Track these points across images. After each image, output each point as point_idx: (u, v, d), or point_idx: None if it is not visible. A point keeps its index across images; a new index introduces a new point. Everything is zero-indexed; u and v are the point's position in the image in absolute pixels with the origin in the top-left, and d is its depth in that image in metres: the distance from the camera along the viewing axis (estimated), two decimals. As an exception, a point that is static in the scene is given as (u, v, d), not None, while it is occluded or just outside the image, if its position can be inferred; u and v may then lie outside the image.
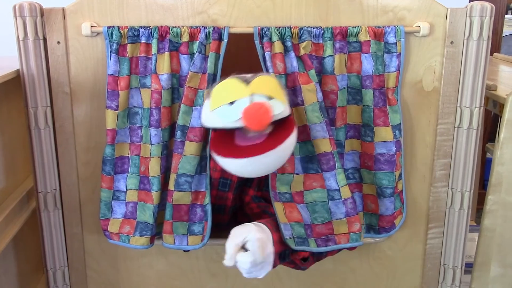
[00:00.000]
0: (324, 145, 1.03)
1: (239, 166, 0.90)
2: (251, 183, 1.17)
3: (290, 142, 0.91)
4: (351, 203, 1.06)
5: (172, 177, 1.06)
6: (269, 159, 0.89)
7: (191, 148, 1.04)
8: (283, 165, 1.05)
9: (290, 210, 1.07)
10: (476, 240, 1.19)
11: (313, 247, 1.07)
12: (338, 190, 1.05)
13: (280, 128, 0.92)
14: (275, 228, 1.03)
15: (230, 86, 0.90)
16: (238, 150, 0.90)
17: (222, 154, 0.91)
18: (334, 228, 1.07)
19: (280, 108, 0.90)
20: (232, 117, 0.88)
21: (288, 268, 1.23)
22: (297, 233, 1.06)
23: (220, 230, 1.16)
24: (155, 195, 1.07)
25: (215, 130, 0.93)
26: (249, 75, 0.92)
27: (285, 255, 1.05)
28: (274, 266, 1.02)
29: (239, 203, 1.20)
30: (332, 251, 1.11)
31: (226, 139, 0.93)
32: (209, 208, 1.08)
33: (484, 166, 2.35)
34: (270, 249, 0.97)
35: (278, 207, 1.06)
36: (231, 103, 0.88)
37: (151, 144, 1.05)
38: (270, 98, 0.89)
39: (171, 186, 1.06)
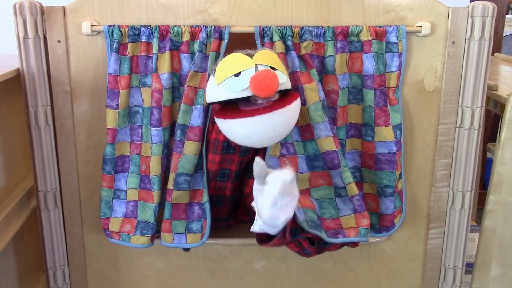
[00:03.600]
0: (328, 144, 1.03)
1: (248, 126, 0.90)
2: (251, 174, 1.17)
3: (296, 105, 0.93)
4: (358, 200, 1.07)
5: (171, 176, 1.06)
6: (278, 119, 0.90)
7: (190, 147, 1.04)
8: (287, 165, 1.05)
9: (303, 196, 1.06)
10: (477, 240, 1.18)
11: (324, 236, 1.07)
12: (344, 187, 1.05)
13: (284, 96, 0.94)
14: None
15: (234, 59, 0.92)
16: (246, 111, 0.91)
17: (230, 117, 0.91)
18: (342, 223, 1.08)
19: (283, 78, 0.92)
20: (240, 87, 0.89)
21: (288, 267, 1.23)
22: (310, 218, 1.05)
23: (220, 228, 1.16)
24: (155, 194, 1.07)
25: (223, 103, 0.93)
26: (250, 50, 0.94)
27: (296, 232, 1.05)
28: (282, 243, 1.01)
29: (238, 194, 1.19)
30: (336, 245, 1.11)
31: (232, 108, 0.94)
32: (207, 206, 1.08)
33: (485, 166, 2.35)
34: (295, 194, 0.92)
35: None
36: (237, 74, 0.90)
37: (152, 144, 1.05)
38: (274, 69, 0.91)
39: (170, 185, 1.06)
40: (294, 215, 1.02)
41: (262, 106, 0.90)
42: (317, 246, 1.10)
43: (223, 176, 1.12)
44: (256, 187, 0.90)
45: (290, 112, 0.92)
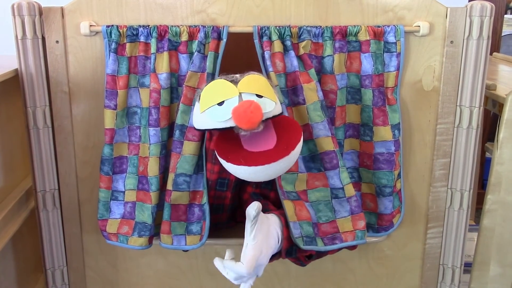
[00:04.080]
0: (327, 144, 1.03)
1: (252, 173, 0.89)
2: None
3: (300, 147, 0.92)
4: (355, 201, 1.06)
5: (171, 176, 1.06)
6: (282, 165, 0.89)
7: (189, 147, 1.04)
8: None
9: (300, 208, 1.06)
10: (475, 239, 1.19)
11: (320, 246, 1.07)
12: (342, 188, 1.05)
13: (288, 131, 0.92)
14: (287, 223, 1.03)
15: (218, 87, 0.90)
16: (250, 157, 0.89)
17: (233, 162, 0.89)
18: (339, 226, 1.07)
19: (270, 106, 0.90)
20: (223, 117, 0.87)
21: (287, 268, 1.23)
22: (305, 232, 1.05)
23: (219, 229, 1.16)
24: (153, 195, 1.07)
25: (208, 131, 0.93)
26: (237, 75, 0.92)
27: (292, 251, 1.05)
28: (278, 258, 1.03)
29: (237, 201, 1.20)
30: (332, 250, 1.11)
31: (232, 143, 0.92)
32: (206, 207, 1.08)
33: (484, 166, 2.35)
34: (264, 259, 0.96)
35: (288, 205, 1.05)
36: (221, 103, 0.88)
37: (150, 144, 1.05)
38: (260, 96, 0.89)
39: (169, 186, 1.06)
40: (290, 231, 1.03)
41: (265, 148, 0.89)
42: (315, 258, 1.10)
43: (222, 185, 1.12)
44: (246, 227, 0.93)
45: (294, 156, 0.90)
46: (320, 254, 1.11)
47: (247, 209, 0.91)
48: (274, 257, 1.02)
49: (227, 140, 0.93)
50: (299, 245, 1.04)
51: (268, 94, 0.90)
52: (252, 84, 0.90)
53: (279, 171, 0.91)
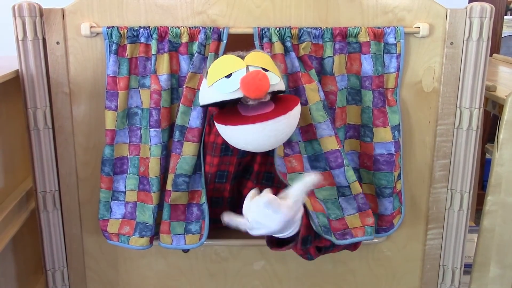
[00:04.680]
0: (331, 143, 1.04)
1: (251, 132, 0.89)
2: (249, 175, 1.17)
3: (298, 110, 0.93)
4: (362, 198, 1.07)
5: (170, 177, 1.06)
6: (282, 125, 0.90)
7: (189, 148, 1.04)
8: (292, 165, 1.05)
9: (314, 200, 1.07)
10: (476, 241, 1.19)
11: (334, 240, 1.08)
12: (348, 186, 1.06)
13: (285, 99, 0.94)
14: (306, 211, 1.04)
15: (225, 61, 0.91)
16: (248, 118, 0.90)
17: (232, 123, 0.90)
18: (348, 223, 1.08)
19: (275, 79, 0.91)
20: (231, 88, 0.88)
21: (287, 268, 1.23)
22: (322, 222, 1.06)
23: (219, 228, 1.16)
24: (154, 195, 1.07)
25: (215, 105, 0.92)
26: (242, 52, 0.93)
27: (308, 240, 1.05)
28: (287, 248, 1.03)
29: (237, 195, 1.20)
30: (338, 247, 1.11)
31: (231, 112, 0.93)
32: (205, 207, 1.08)
33: (484, 167, 2.35)
34: (276, 225, 0.94)
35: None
36: (228, 76, 0.89)
37: (151, 145, 1.05)
38: (265, 70, 0.90)
39: (168, 187, 1.06)
40: (311, 219, 1.03)
41: (263, 112, 0.89)
42: (323, 252, 1.10)
43: (221, 177, 1.12)
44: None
45: (292, 118, 0.91)
46: (325, 251, 1.11)
47: (307, 175, 0.92)
48: (288, 245, 1.03)
49: (226, 111, 0.95)
50: (319, 232, 1.05)
51: (273, 69, 0.92)
52: (258, 58, 0.91)
53: (279, 136, 0.91)
